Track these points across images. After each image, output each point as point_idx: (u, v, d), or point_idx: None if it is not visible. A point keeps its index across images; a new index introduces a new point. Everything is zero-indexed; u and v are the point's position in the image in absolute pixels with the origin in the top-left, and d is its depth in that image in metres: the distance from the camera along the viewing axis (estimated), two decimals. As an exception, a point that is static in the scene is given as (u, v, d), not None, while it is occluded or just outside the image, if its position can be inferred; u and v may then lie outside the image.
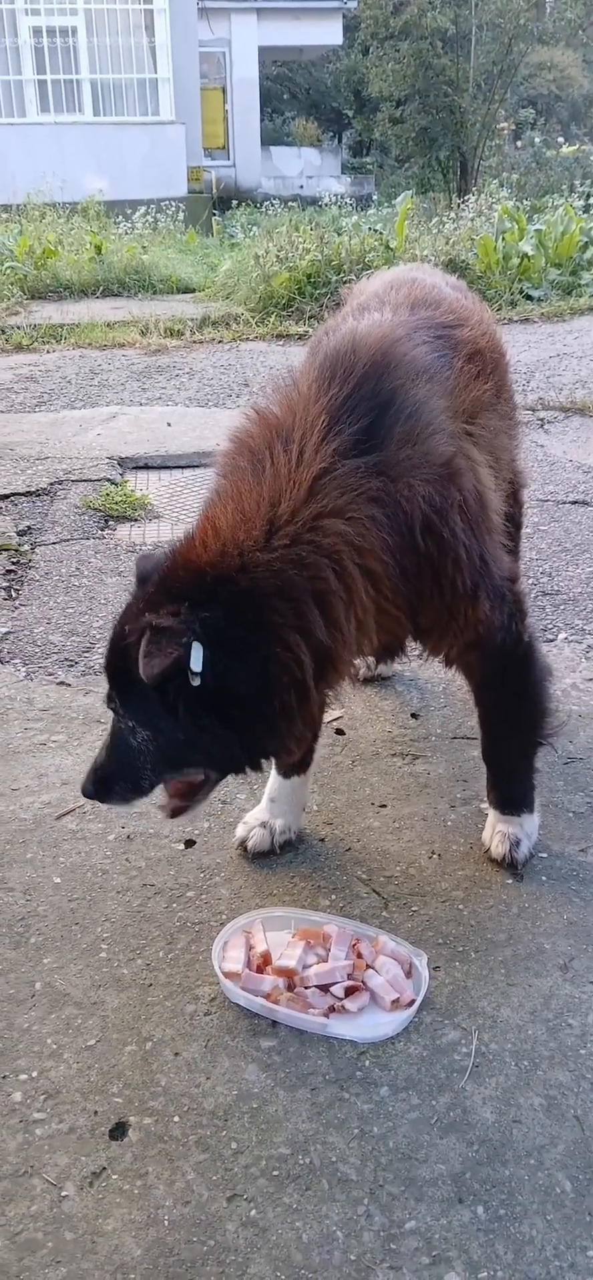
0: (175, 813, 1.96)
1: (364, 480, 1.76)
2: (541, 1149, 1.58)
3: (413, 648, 2.15)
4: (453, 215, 12.23)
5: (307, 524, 1.73)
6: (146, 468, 5.15)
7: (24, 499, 4.61)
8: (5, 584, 3.73)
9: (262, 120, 26.82)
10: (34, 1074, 1.73)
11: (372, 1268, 1.41)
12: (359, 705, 2.86)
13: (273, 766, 2.23)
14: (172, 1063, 1.74)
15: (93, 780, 1.90)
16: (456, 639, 2.01)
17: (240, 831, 2.27)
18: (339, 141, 35.29)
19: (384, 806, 2.43)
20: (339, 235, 10.21)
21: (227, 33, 24.16)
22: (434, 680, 2.97)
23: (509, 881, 2.16)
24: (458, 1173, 1.54)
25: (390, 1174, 1.54)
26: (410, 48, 24.97)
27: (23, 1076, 1.72)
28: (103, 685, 1.87)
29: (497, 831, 2.22)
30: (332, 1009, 1.82)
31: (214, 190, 20.36)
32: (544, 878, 2.17)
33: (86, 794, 1.92)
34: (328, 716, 2.04)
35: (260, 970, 1.89)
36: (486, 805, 2.31)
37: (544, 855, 2.23)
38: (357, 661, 2.00)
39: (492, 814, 2.26)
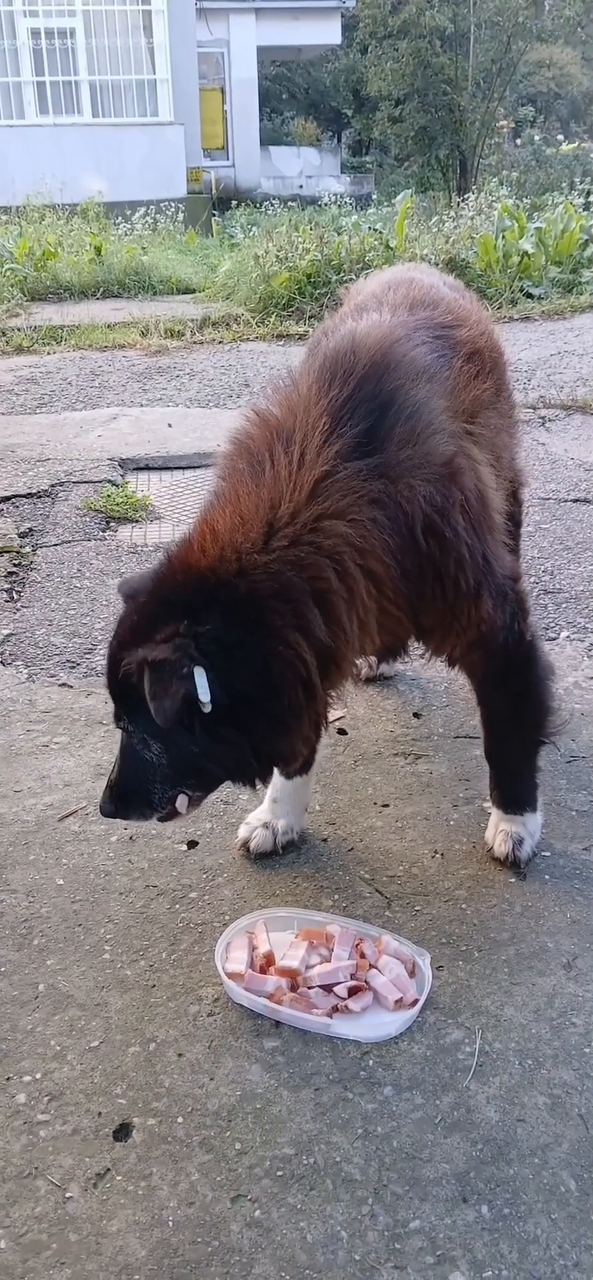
0: (166, 817, 1.96)
1: (366, 482, 1.76)
2: (545, 1148, 1.58)
3: (416, 647, 2.15)
4: (453, 214, 12.22)
5: (307, 525, 1.73)
6: (148, 469, 5.15)
7: (25, 501, 4.62)
8: (7, 586, 3.73)
9: (261, 120, 26.81)
10: (38, 1075, 1.73)
11: (376, 1267, 1.41)
12: (362, 705, 2.86)
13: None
14: (175, 1064, 1.74)
15: (110, 798, 1.89)
16: (458, 638, 2.01)
17: (243, 832, 2.27)
18: (338, 141, 35.29)
19: (387, 806, 2.43)
20: (339, 235, 10.20)
21: (225, 33, 24.15)
22: (436, 680, 2.97)
23: (512, 880, 2.16)
24: (462, 1172, 1.54)
25: (395, 1173, 1.54)
26: (409, 46, 24.98)
27: (27, 1078, 1.72)
28: (105, 687, 1.87)
29: (500, 830, 2.22)
30: (335, 1009, 1.82)
31: (214, 191, 20.36)
32: (547, 876, 2.17)
33: (105, 813, 1.92)
34: (330, 716, 2.04)
35: (264, 971, 1.89)
36: (488, 804, 2.31)
37: (547, 854, 2.23)
38: (359, 661, 2.00)
39: (495, 813, 2.26)
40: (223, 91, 24.76)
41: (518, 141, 25.47)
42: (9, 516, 4.42)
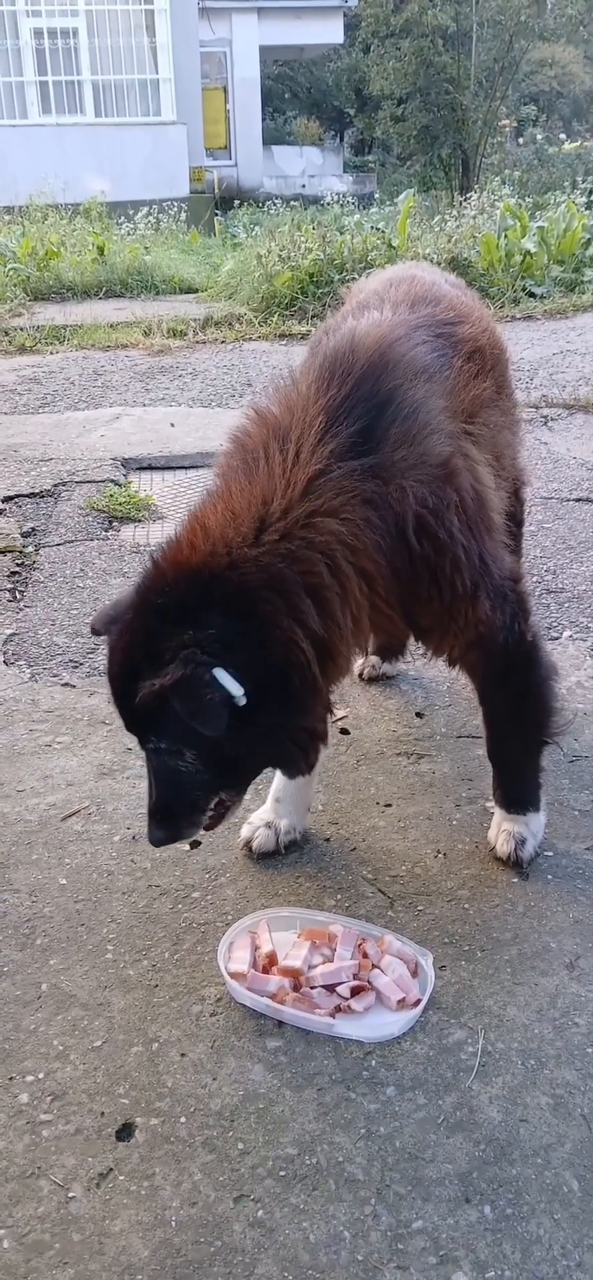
0: (214, 823, 1.96)
1: (359, 482, 1.76)
2: (548, 1148, 1.58)
3: (417, 647, 2.15)
4: (455, 213, 12.22)
5: (299, 521, 1.73)
6: (150, 468, 5.15)
7: (28, 500, 4.62)
8: (10, 586, 3.73)
9: (263, 120, 26.81)
10: (41, 1075, 1.73)
11: (379, 1268, 1.41)
12: (364, 704, 2.86)
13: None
14: (178, 1063, 1.74)
15: (157, 825, 1.86)
16: (457, 639, 2.01)
17: (245, 832, 2.27)
18: (341, 140, 35.27)
19: (389, 806, 2.43)
20: (341, 234, 10.20)
21: (227, 32, 24.15)
22: (439, 679, 2.97)
23: (515, 880, 2.16)
24: (465, 1172, 1.54)
25: (397, 1174, 1.54)
26: (411, 45, 24.95)
27: (29, 1078, 1.72)
28: (106, 686, 1.87)
29: (502, 830, 2.22)
30: (338, 1009, 1.82)
31: (216, 190, 20.36)
32: (550, 876, 2.17)
33: (157, 842, 1.90)
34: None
35: (266, 970, 1.89)
36: (491, 804, 2.31)
37: (550, 854, 2.23)
38: (355, 658, 2.00)
39: (497, 813, 2.26)
40: (225, 91, 24.76)
41: (520, 140, 25.48)
42: (12, 516, 4.43)
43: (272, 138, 29.85)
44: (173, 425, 5.79)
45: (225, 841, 2.30)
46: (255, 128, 25.10)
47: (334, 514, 1.74)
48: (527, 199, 13.29)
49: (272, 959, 1.91)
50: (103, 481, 4.83)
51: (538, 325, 8.56)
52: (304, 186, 24.74)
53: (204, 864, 2.23)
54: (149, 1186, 1.54)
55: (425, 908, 2.09)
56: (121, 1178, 1.55)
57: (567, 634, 3.24)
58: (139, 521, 4.39)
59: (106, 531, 4.26)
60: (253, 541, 1.72)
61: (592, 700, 2.84)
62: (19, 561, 3.94)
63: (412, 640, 2.11)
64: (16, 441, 5.50)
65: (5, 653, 3.23)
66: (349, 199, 17.64)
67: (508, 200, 11.86)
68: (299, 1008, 1.81)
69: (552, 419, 5.77)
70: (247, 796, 2.39)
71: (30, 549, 4.06)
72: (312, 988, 1.85)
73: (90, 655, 3.19)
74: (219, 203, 19.50)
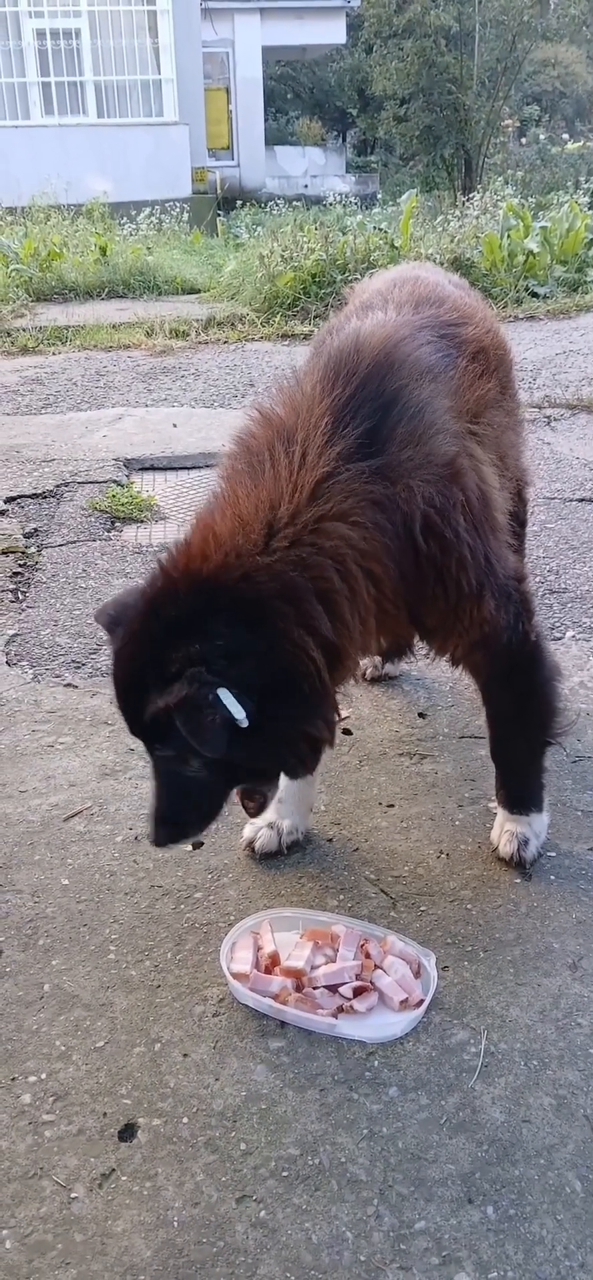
0: (258, 810, 1.98)
1: (367, 484, 1.75)
2: (551, 1149, 1.57)
3: (420, 647, 2.15)
4: (458, 213, 12.21)
5: (308, 526, 1.72)
6: (153, 469, 5.16)
7: (30, 501, 4.62)
8: (12, 586, 3.73)
9: (266, 120, 26.80)
10: (43, 1076, 1.73)
11: (382, 1268, 1.41)
12: (366, 705, 2.86)
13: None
14: (180, 1064, 1.74)
15: (160, 828, 1.87)
16: (461, 639, 2.00)
17: (248, 832, 2.27)
18: (343, 140, 35.26)
19: (392, 806, 2.43)
20: (344, 234, 10.20)
21: (230, 33, 24.14)
22: (441, 679, 2.97)
23: (518, 881, 2.16)
24: (468, 1173, 1.54)
25: (400, 1174, 1.54)
26: (414, 46, 24.93)
27: (32, 1078, 1.72)
28: (110, 688, 1.87)
29: (505, 831, 2.22)
30: (340, 1009, 1.81)
31: (218, 190, 20.34)
32: (553, 877, 2.17)
33: (159, 844, 1.90)
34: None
35: (269, 971, 1.89)
36: (494, 804, 2.31)
37: (553, 854, 2.23)
38: (361, 660, 2.00)
39: (500, 813, 2.26)
40: (228, 91, 24.76)
41: (523, 140, 25.46)
42: (14, 517, 4.43)
43: (274, 138, 29.85)
44: (175, 426, 5.79)
45: (228, 842, 2.30)
46: (258, 128, 25.09)
47: (343, 518, 1.73)
48: (530, 199, 13.27)
49: (274, 959, 1.90)
50: (105, 482, 4.83)
51: (541, 325, 8.56)
52: (307, 187, 24.73)
53: (207, 864, 2.23)
54: (151, 1187, 1.53)
55: (428, 908, 2.09)
56: (124, 1178, 1.55)
57: (570, 634, 3.24)
58: (141, 522, 4.39)
59: (109, 532, 4.26)
60: (263, 549, 1.71)
61: (595, 700, 2.84)
62: (21, 562, 3.94)
63: (416, 640, 2.10)
64: (19, 442, 5.50)
65: (8, 653, 3.24)
66: (352, 199, 17.64)
67: (511, 200, 11.85)
68: (302, 1008, 1.81)
69: (555, 419, 5.77)
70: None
71: (33, 549, 4.06)
72: (314, 988, 1.84)
73: (92, 656, 3.19)
74: (222, 203, 19.48)
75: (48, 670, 3.12)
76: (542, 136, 22.97)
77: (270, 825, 2.25)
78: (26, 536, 4.20)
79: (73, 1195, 1.53)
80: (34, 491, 4.73)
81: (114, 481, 4.84)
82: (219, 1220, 1.48)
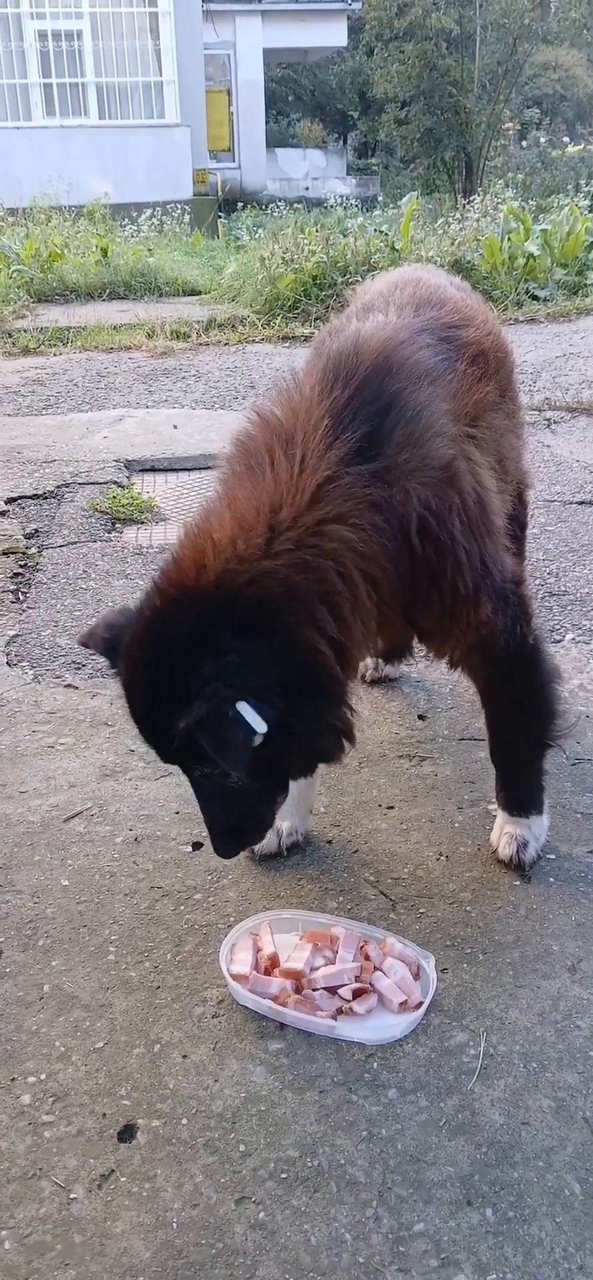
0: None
1: (366, 487, 1.74)
2: (550, 1151, 1.58)
3: (420, 649, 2.15)
4: (458, 216, 12.21)
5: (309, 530, 1.71)
6: (153, 470, 5.16)
7: (31, 502, 4.63)
8: (13, 587, 3.74)
9: (267, 122, 26.83)
10: (42, 1076, 1.73)
11: (380, 1270, 1.41)
12: (366, 707, 2.86)
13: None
14: (180, 1065, 1.74)
15: (223, 842, 1.88)
16: (458, 642, 2.00)
17: (248, 834, 2.27)
18: (344, 143, 35.31)
19: (391, 808, 2.43)
20: (345, 237, 10.20)
21: (231, 35, 24.18)
22: (441, 682, 2.97)
23: (517, 883, 2.16)
24: (467, 1175, 1.54)
25: (399, 1176, 1.54)
26: (415, 49, 24.96)
27: (31, 1079, 1.73)
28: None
29: (505, 833, 2.22)
30: (339, 1011, 1.82)
31: (220, 192, 20.37)
32: (552, 879, 2.17)
33: (227, 855, 1.94)
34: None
35: (268, 973, 1.89)
36: (493, 807, 2.31)
37: (552, 857, 2.23)
38: (362, 662, 2.00)
39: (500, 815, 2.26)
40: (229, 93, 24.79)
41: (524, 144, 25.46)
42: (15, 518, 4.43)
43: (275, 140, 29.89)
44: (176, 427, 5.79)
45: (227, 843, 2.30)
46: (259, 130, 25.13)
47: (343, 520, 1.72)
48: (530, 202, 13.28)
49: (274, 961, 1.91)
50: (106, 483, 4.83)
51: (541, 328, 8.57)
52: (308, 189, 24.76)
53: (206, 866, 2.23)
54: (151, 1188, 1.54)
55: (427, 910, 2.09)
56: (123, 1179, 1.55)
57: (569, 637, 3.24)
58: (142, 523, 4.40)
59: (109, 533, 4.26)
60: (265, 553, 1.70)
61: (594, 703, 2.84)
62: (22, 563, 3.94)
63: (415, 643, 2.10)
64: (20, 443, 5.51)
65: (8, 654, 3.24)
66: (352, 201, 17.66)
67: (511, 203, 11.85)
68: (301, 1010, 1.81)
69: (555, 422, 5.78)
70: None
71: (33, 550, 4.06)
72: (313, 990, 1.85)
73: (93, 657, 3.19)
74: (222, 205, 19.51)
75: (48, 671, 3.13)
76: (542, 140, 22.96)
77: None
78: (27, 537, 4.20)
79: (72, 1196, 1.53)
80: (35, 492, 4.73)
81: (115, 483, 4.85)
82: (218, 1222, 1.48)
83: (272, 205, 18.64)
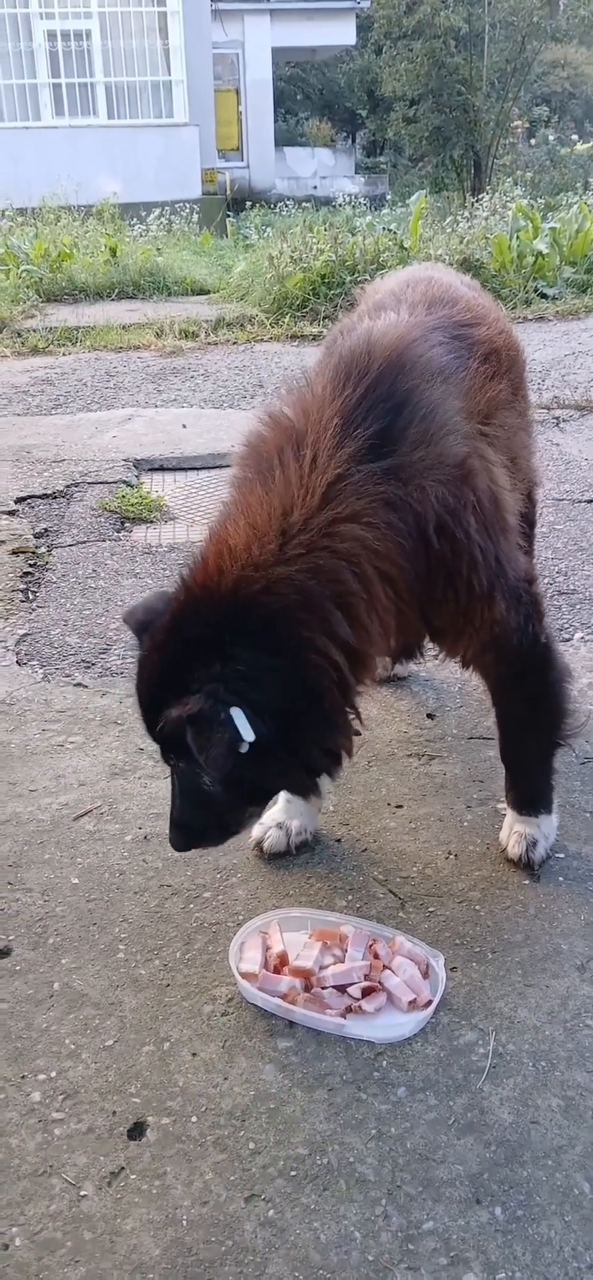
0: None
1: (379, 485, 1.74)
2: (559, 1150, 1.57)
3: (430, 648, 2.15)
4: (467, 214, 12.21)
5: (321, 530, 1.71)
6: (162, 469, 5.17)
7: (41, 501, 4.64)
8: (23, 586, 3.75)
9: (275, 121, 26.83)
10: (53, 1074, 1.74)
11: (390, 1268, 1.41)
12: (375, 706, 2.86)
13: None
14: (189, 1063, 1.74)
15: (179, 836, 1.89)
16: (471, 640, 2.00)
17: (256, 832, 2.27)
18: (353, 141, 35.29)
19: (400, 807, 2.43)
20: (353, 235, 10.20)
21: (240, 34, 24.19)
22: (450, 680, 2.97)
23: (526, 882, 2.16)
24: (476, 1173, 1.54)
25: (408, 1174, 1.54)
26: (424, 47, 24.94)
27: (41, 1076, 1.73)
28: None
29: (514, 832, 2.22)
30: (349, 1009, 1.82)
31: (228, 191, 20.38)
32: (561, 878, 2.17)
33: (175, 847, 1.93)
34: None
35: (277, 971, 1.89)
36: (503, 806, 2.31)
37: (561, 856, 2.23)
38: (380, 659, 1.99)
39: (509, 814, 2.26)
40: (238, 93, 24.80)
41: (532, 141, 25.42)
42: (25, 517, 4.44)
43: (284, 139, 29.90)
44: (185, 426, 5.80)
45: (236, 842, 2.29)
46: (267, 129, 25.12)
47: (356, 519, 1.72)
48: (539, 200, 13.29)
49: (283, 959, 1.91)
50: (115, 482, 4.84)
51: (550, 326, 8.55)
52: (316, 188, 24.76)
53: (215, 864, 2.24)
54: (160, 1185, 1.54)
55: (437, 909, 2.09)
56: (133, 1176, 1.56)
57: (578, 635, 3.23)
58: (151, 522, 4.40)
59: (119, 532, 4.27)
60: (279, 558, 1.70)
61: (604, 702, 2.83)
62: (32, 562, 3.95)
63: (425, 641, 2.10)
64: (29, 443, 5.52)
65: (18, 653, 3.25)
66: (361, 200, 17.67)
67: (520, 201, 11.84)
68: (310, 1008, 1.82)
69: (564, 420, 5.77)
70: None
71: (43, 549, 4.07)
72: (323, 988, 1.85)
73: (102, 655, 3.20)
74: (231, 204, 19.53)
75: (58, 670, 3.13)
76: (551, 137, 22.96)
77: (279, 825, 2.26)
78: (37, 536, 4.21)
79: (82, 1193, 1.53)
80: (44, 492, 4.74)
81: (124, 482, 4.85)
82: (228, 1219, 1.48)
83: (280, 204, 18.65)
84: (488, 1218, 1.48)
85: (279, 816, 2.27)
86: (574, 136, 22.94)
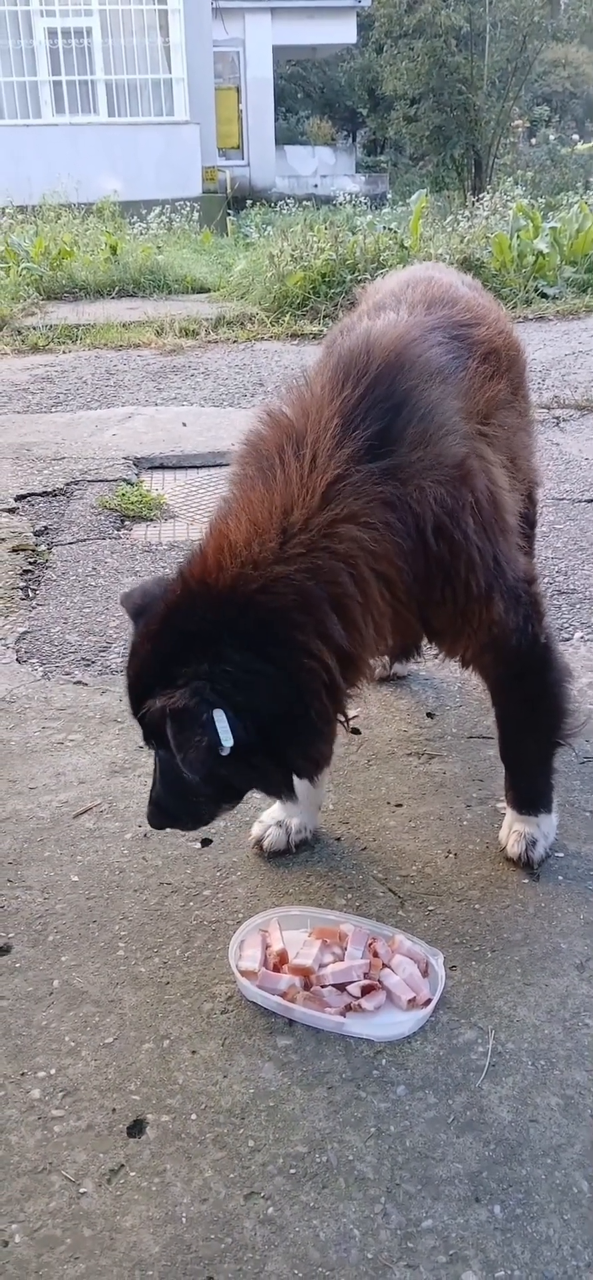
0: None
1: (378, 485, 1.74)
2: (558, 1148, 1.58)
3: (430, 648, 2.15)
4: (468, 213, 12.20)
5: (321, 531, 1.71)
6: (162, 468, 5.17)
7: (41, 499, 4.64)
8: (23, 584, 3.75)
9: (276, 120, 26.81)
10: (52, 1071, 1.74)
11: (389, 1266, 1.41)
12: (375, 704, 2.86)
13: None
14: (189, 1061, 1.75)
15: (155, 813, 1.91)
16: (470, 641, 2.00)
17: (256, 830, 2.28)
18: (353, 140, 35.26)
19: (400, 806, 2.43)
20: (354, 234, 10.20)
21: (241, 32, 24.17)
22: (450, 680, 2.97)
23: (526, 881, 2.16)
24: (475, 1172, 1.55)
25: (407, 1172, 1.54)
26: (425, 46, 24.92)
27: (41, 1074, 1.73)
28: (121, 686, 1.88)
29: (513, 831, 2.22)
30: (348, 1008, 1.82)
31: (229, 190, 20.37)
32: (561, 877, 2.17)
33: (154, 826, 1.95)
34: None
35: (277, 969, 1.89)
36: (502, 805, 2.31)
37: (561, 855, 2.23)
38: (373, 661, 2.00)
39: (509, 813, 2.26)
40: (238, 91, 24.78)
41: (533, 141, 25.42)
42: (25, 515, 4.44)
43: (284, 137, 29.87)
44: (185, 425, 5.80)
45: (236, 840, 2.31)
46: (268, 128, 25.11)
47: (354, 520, 1.72)
48: (539, 199, 13.27)
49: (282, 957, 1.91)
50: (115, 480, 4.84)
51: (550, 326, 8.55)
52: (316, 186, 24.74)
53: (215, 862, 2.24)
54: (160, 1183, 1.54)
55: (436, 908, 2.09)
56: (132, 1174, 1.56)
57: (578, 635, 3.24)
58: (151, 520, 4.40)
59: (118, 530, 4.27)
60: (278, 557, 1.70)
61: (603, 702, 2.84)
62: (32, 560, 3.96)
63: (424, 641, 2.10)
64: (29, 440, 5.52)
65: (18, 650, 3.25)
66: (361, 199, 17.66)
67: (521, 201, 11.83)
68: (310, 1006, 1.82)
69: (564, 420, 5.77)
70: (258, 795, 2.40)
71: (43, 547, 4.07)
72: (322, 986, 1.85)
73: (102, 653, 3.20)
74: (231, 202, 19.52)
75: (58, 668, 3.14)
76: (552, 137, 22.96)
77: (279, 824, 2.26)
78: (37, 534, 4.21)
79: (82, 1190, 1.54)
80: (44, 489, 4.74)
81: (124, 480, 4.85)
82: (227, 1217, 1.49)
83: (281, 203, 18.64)
84: (487, 1216, 1.48)
85: (279, 815, 2.27)
86: (575, 136, 22.95)
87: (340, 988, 1.84)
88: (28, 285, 10.33)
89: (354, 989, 1.84)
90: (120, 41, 17.98)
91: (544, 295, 9.48)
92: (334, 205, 16.83)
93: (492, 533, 1.89)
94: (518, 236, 10.27)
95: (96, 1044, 1.79)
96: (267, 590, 1.69)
